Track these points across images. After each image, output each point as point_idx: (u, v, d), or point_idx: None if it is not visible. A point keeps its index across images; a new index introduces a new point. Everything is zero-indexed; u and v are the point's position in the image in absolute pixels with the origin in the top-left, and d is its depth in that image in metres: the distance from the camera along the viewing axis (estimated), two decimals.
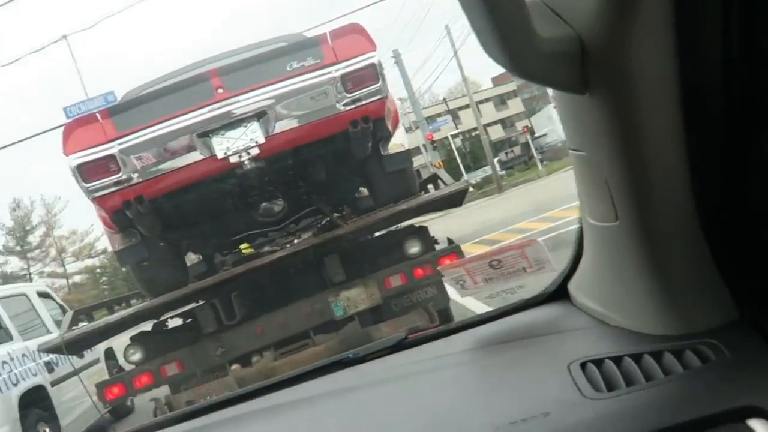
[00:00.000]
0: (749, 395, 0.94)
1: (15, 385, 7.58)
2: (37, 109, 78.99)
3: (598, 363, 1.14)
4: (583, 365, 1.15)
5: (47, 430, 7.84)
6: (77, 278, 61.76)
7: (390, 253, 6.19)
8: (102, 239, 60.70)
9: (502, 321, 1.55)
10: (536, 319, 1.48)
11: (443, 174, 6.68)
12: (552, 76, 0.94)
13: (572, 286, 1.43)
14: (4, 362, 7.62)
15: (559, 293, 1.48)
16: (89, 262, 62.90)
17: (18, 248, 58.76)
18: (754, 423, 0.91)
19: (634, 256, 1.11)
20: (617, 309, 1.25)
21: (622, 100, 0.94)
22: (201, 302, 6.04)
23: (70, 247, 61.32)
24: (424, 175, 7.43)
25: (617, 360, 1.13)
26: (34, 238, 59.71)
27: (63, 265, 60.91)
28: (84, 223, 63.45)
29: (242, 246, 7.68)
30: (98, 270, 64.11)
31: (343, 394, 1.44)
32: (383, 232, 6.76)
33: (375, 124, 5.34)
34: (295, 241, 6.45)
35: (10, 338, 8.20)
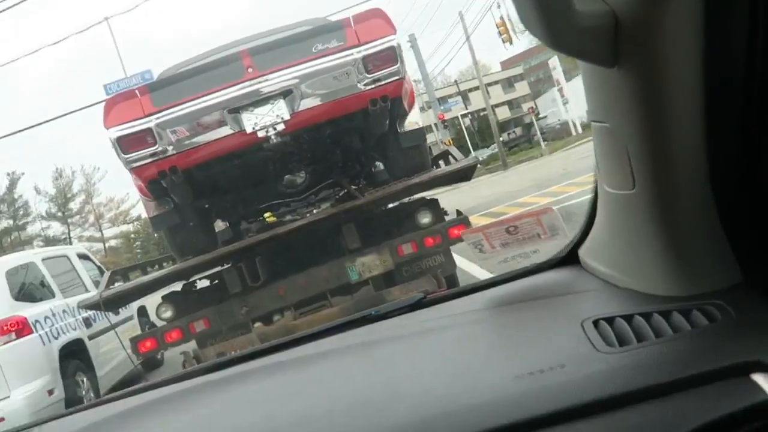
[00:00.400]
0: (753, 351, 0.94)
1: (56, 338, 7.66)
2: (79, 86, 79.43)
3: (610, 321, 1.13)
4: (595, 323, 1.14)
5: (84, 379, 7.93)
6: (113, 242, 62.46)
7: (403, 223, 6.23)
8: (137, 207, 61.29)
9: (515, 283, 1.55)
10: (547, 282, 1.48)
11: (454, 150, 6.69)
12: (585, 49, 0.94)
13: (583, 252, 1.43)
14: (46, 317, 7.70)
15: (569, 258, 1.47)
16: (124, 227, 63.58)
17: (59, 214, 59.38)
18: (757, 377, 0.91)
19: (648, 222, 1.11)
20: (628, 272, 1.25)
21: (649, 74, 0.94)
22: (228, 265, 6.11)
23: (107, 214, 61.94)
24: (436, 152, 7.44)
25: (628, 318, 1.12)
26: (74, 205, 60.36)
27: (100, 230, 61.52)
28: (120, 192, 64.02)
29: (266, 215, 7.73)
30: (132, 235, 64.74)
31: (367, 348, 1.44)
32: (396, 203, 6.77)
33: (392, 103, 5.35)
34: (315, 211, 6.49)
35: (52, 295, 8.29)
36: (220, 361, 1.79)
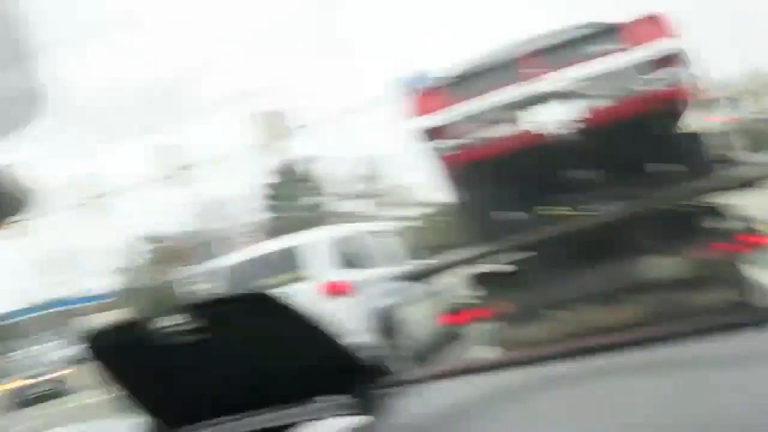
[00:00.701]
0: None
1: (374, 302, 8.62)
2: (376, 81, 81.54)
3: None
4: None
5: (392, 340, 8.81)
6: (413, 222, 65.26)
7: (693, 227, 6.02)
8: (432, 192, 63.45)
9: None
10: None
11: (744, 153, 6.26)
12: None
13: None
14: (367, 282, 8.68)
15: None
16: (423, 209, 66.42)
17: (368, 194, 63.64)
18: None
19: None
20: None
21: None
22: (528, 253, 6.33)
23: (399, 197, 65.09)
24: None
25: None
26: (376, 187, 64.25)
27: (401, 211, 64.74)
28: (414, 178, 66.89)
29: (556, 207, 7.83)
30: (428, 217, 67.26)
31: (742, 362, 1.17)
32: (689, 206, 6.54)
33: (678, 104, 5.30)
34: (603, 207, 6.48)
35: (372, 265, 9.24)
36: (564, 349, 1.64)
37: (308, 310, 1.28)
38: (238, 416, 1.49)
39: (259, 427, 1.46)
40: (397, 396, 1.48)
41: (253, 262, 9.54)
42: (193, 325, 1.24)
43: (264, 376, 1.40)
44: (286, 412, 1.49)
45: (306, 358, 1.38)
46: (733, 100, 54.46)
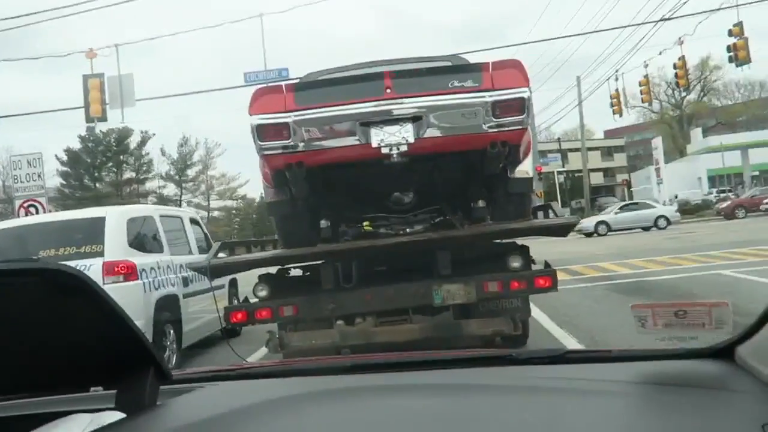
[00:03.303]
0: None
1: (156, 289, 7.91)
2: (218, 69, 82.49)
3: None
4: None
5: (172, 331, 8.11)
6: (216, 213, 64.62)
7: (492, 262, 6.14)
8: (244, 187, 63.51)
9: (663, 363, 1.46)
10: (697, 370, 1.39)
11: (556, 206, 6.62)
12: None
13: (744, 350, 1.34)
14: (152, 268, 7.96)
15: (723, 352, 1.39)
16: (229, 202, 65.85)
17: (176, 177, 61.92)
18: None
19: None
20: None
21: None
22: (325, 262, 6.16)
23: (217, 187, 64.22)
24: None
25: None
26: (191, 173, 62.91)
27: (207, 200, 63.93)
28: (232, 170, 66.29)
29: (365, 223, 7.80)
30: (233, 211, 66.90)
31: (507, 392, 1.35)
32: (490, 242, 6.72)
33: (511, 149, 5.31)
34: (408, 230, 6.53)
35: (161, 250, 8.55)
36: (347, 361, 1.76)
37: (101, 290, 1.14)
38: None
39: (15, 413, 1.36)
40: (169, 392, 1.42)
41: (30, 230, 8.37)
42: None
43: (29, 358, 1.22)
44: (48, 399, 1.43)
45: (82, 344, 1.23)
46: (563, 154, 59.84)
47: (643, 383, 1.34)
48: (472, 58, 6.44)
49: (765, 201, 33.92)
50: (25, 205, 17.20)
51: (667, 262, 15.18)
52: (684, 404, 1.22)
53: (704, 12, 25.09)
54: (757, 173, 52.28)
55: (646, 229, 32.13)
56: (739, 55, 23.86)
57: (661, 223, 32.18)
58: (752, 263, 13.25)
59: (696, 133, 59.35)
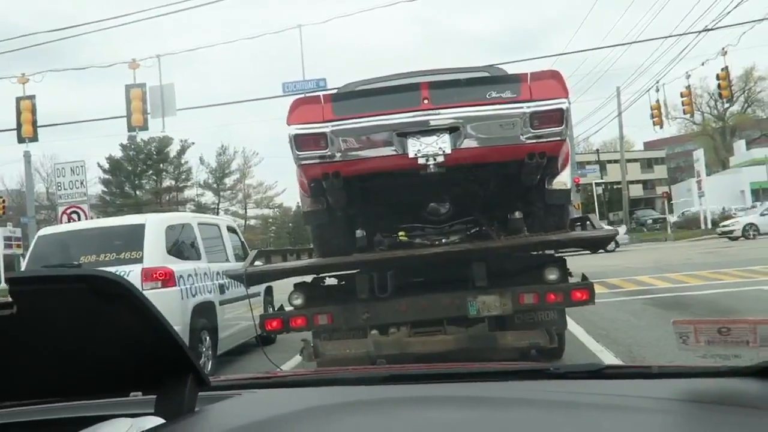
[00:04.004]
0: None
1: (193, 296, 8.03)
2: (258, 80, 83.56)
3: None
4: None
5: (208, 338, 8.23)
6: (252, 221, 65.22)
7: (528, 274, 6.10)
8: (281, 195, 64.07)
9: (704, 381, 1.45)
10: (740, 389, 1.36)
11: (594, 218, 6.54)
12: None
13: None
14: (189, 275, 8.07)
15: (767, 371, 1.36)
16: (266, 211, 66.54)
17: (214, 186, 62.72)
18: None
19: None
20: None
21: None
22: (358, 270, 6.18)
23: (254, 196, 64.90)
24: None
25: None
26: (228, 181, 63.66)
27: (245, 208, 64.60)
28: (270, 179, 66.91)
29: (400, 233, 7.80)
30: (270, 219, 67.46)
31: (544, 407, 1.33)
32: (527, 254, 6.67)
33: (549, 160, 5.28)
34: (443, 240, 6.52)
35: (199, 258, 8.68)
36: (382, 372, 1.77)
37: (143, 297, 1.15)
38: (37, 402, 1.40)
39: (58, 416, 1.37)
40: (207, 399, 1.43)
41: (72, 236, 8.55)
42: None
43: (72, 363, 1.24)
44: (90, 403, 1.42)
45: (122, 349, 1.25)
46: (602, 165, 59.40)
47: (683, 401, 1.32)
48: (510, 69, 6.42)
49: None
50: (68, 211, 17.60)
51: (707, 277, 14.90)
52: (725, 423, 1.20)
53: (748, 22, 24.68)
54: None
55: None
56: None
57: None
58: None
59: (739, 145, 58.33)
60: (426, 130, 5.12)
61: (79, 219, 17.00)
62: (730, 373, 1.41)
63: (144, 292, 1.20)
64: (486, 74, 6.00)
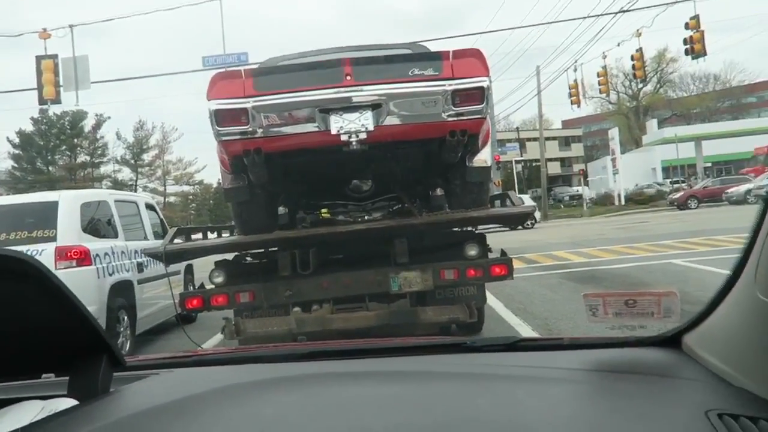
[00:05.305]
0: None
1: (110, 275, 7.82)
2: (177, 53, 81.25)
3: (735, 418, 1.06)
4: (720, 416, 1.06)
5: (126, 317, 8.05)
6: (172, 198, 63.80)
7: (449, 250, 6.19)
8: (202, 172, 62.81)
9: (613, 351, 1.51)
10: (646, 358, 1.43)
11: (513, 195, 6.67)
12: None
13: (691, 339, 1.39)
14: (106, 254, 7.85)
15: (670, 341, 1.44)
16: (186, 187, 65.05)
17: (132, 162, 60.92)
18: None
19: None
20: (752, 374, 1.16)
21: None
22: (280, 248, 6.12)
23: (174, 172, 63.35)
24: None
25: (754, 420, 1.04)
26: (147, 157, 61.90)
27: (164, 185, 63.06)
28: (190, 155, 65.40)
29: (323, 210, 7.80)
30: (190, 196, 66.10)
31: (461, 379, 1.37)
32: (448, 230, 6.77)
33: (469, 138, 5.35)
34: (366, 217, 6.55)
35: (116, 235, 8.45)
36: (303, 348, 1.75)
37: (53, 276, 1.11)
38: None
39: None
40: (123, 379, 1.42)
41: None
42: None
43: None
44: (0, 386, 1.41)
45: (33, 330, 1.22)
46: (522, 143, 60.36)
47: (593, 370, 1.39)
48: (432, 47, 6.44)
49: (727, 191, 34.57)
50: None
51: (621, 251, 15.49)
52: (632, 391, 1.26)
53: (662, 4, 25.49)
54: (709, 164, 53.56)
55: None
56: (695, 47, 24.30)
57: None
58: (703, 252, 13.60)
59: (652, 124, 60.45)
60: (348, 107, 5.12)
61: None
62: (636, 343, 1.49)
63: (58, 272, 1.18)
64: (409, 51, 6.02)
